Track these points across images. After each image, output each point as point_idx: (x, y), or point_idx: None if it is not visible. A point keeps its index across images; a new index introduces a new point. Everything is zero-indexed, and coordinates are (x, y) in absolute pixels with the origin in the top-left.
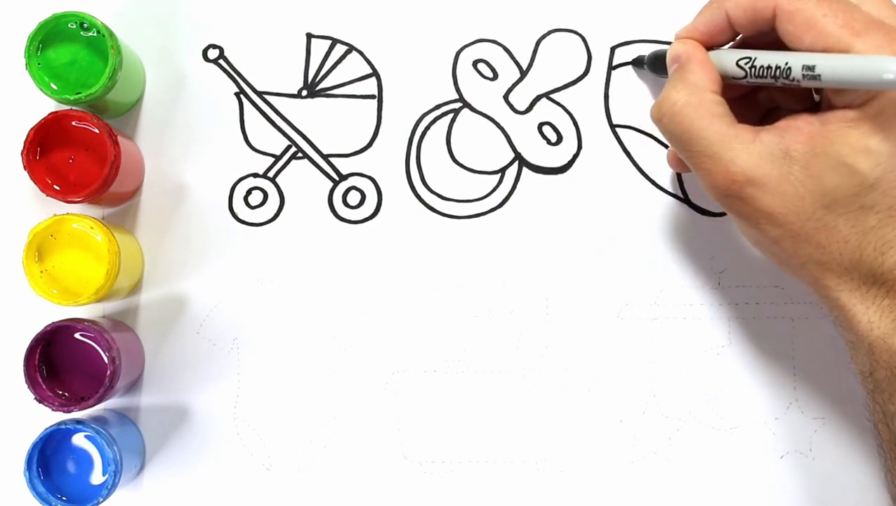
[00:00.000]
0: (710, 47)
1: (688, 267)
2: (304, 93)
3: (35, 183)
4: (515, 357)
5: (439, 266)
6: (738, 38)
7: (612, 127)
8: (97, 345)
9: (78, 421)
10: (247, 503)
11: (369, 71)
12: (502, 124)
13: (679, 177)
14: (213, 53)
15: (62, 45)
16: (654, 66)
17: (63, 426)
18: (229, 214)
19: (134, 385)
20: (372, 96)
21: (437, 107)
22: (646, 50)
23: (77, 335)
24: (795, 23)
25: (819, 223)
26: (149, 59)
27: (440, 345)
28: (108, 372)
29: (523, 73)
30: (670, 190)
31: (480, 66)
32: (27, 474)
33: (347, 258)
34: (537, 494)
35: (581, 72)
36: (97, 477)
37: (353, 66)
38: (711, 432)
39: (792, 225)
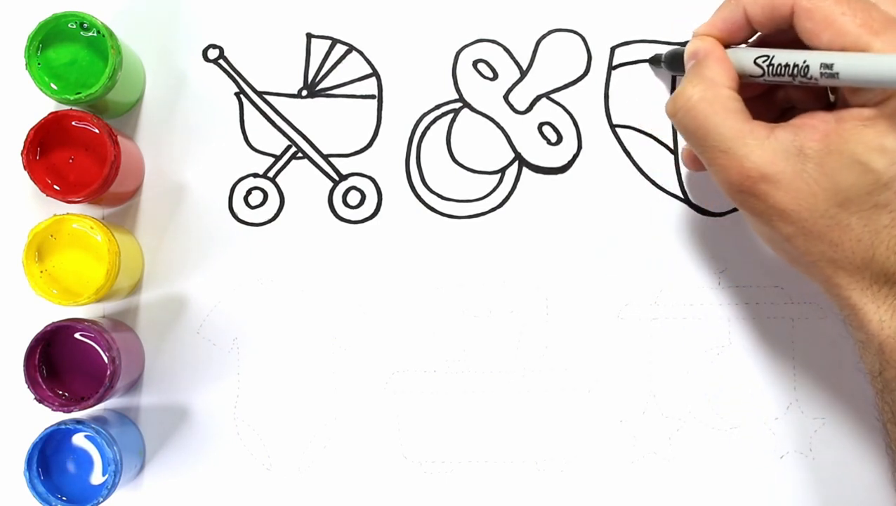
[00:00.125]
0: (727, 45)
1: (688, 267)
2: (304, 93)
3: (35, 183)
4: (515, 357)
5: (439, 266)
6: (755, 37)
7: (612, 127)
8: (97, 345)
9: (78, 421)
10: (247, 503)
11: (369, 71)
12: (502, 124)
13: (679, 177)
14: (213, 53)
15: (62, 45)
16: (672, 64)
17: (63, 426)
18: (229, 214)
19: (134, 385)
20: (372, 96)
21: (437, 107)
22: (645, 50)
23: (77, 335)
24: (814, 20)
25: (832, 221)
26: (149, 59)
27: (440, 345)
28: (108, 372)
29: (523, 73)
30: (670, 190)
31: (480, 66)
32: (27, 474)
33: (347, 258)
34: (537, 494)
35: (581, 72)
36: (97, 477)
37: (353, 66)
38: (711, 432)
39: (805, 222)
